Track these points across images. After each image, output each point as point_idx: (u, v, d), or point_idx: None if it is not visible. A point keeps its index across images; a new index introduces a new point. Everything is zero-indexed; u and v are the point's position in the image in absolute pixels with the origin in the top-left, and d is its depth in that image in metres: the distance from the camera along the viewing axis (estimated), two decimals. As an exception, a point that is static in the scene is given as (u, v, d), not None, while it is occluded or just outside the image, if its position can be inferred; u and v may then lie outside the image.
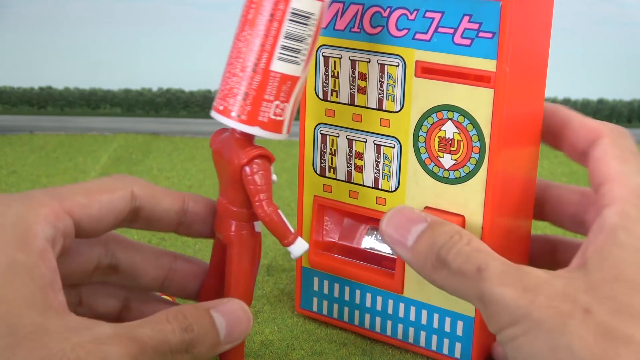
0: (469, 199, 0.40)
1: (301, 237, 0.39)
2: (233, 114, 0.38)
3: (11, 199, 0.35)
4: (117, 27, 0.83)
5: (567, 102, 0.86)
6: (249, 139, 0.39)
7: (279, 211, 0.39)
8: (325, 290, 0.47)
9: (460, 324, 0.42)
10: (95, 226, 0.37)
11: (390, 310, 0.45)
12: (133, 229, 0.40)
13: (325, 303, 0.47)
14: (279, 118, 0.38)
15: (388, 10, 0.40)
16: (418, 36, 0.40)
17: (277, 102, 0.38)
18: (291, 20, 0.37)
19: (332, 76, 0.43)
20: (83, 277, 0.40)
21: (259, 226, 0.41)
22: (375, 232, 0.46)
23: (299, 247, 0.39)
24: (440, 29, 0.39)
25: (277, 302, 0.50)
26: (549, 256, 0.46)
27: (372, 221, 0.46)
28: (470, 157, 0.40)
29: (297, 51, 0.38)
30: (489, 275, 0.35)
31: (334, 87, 0.43)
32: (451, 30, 0.39)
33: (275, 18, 0.37)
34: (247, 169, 0.38)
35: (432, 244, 0.38)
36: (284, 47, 0.37)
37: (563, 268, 0.37)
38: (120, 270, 0.40)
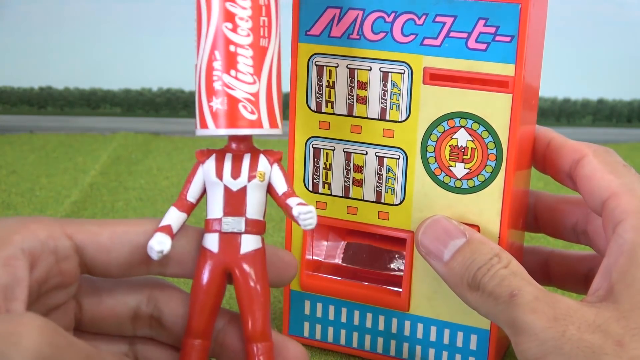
0: (484, 208, 0.38)
1: (162, 234, 0.34)
2: None
3: (12, 217, 0.33)
4: (117, 27, 0.83)
5: (567, 102, 0.86)
6: (229, 140, 0.37)
7: (171, 207, 0.35)
8: (319, 314, 0.44)
9: (474, 337, 0.40)
10: (105, 257, 0.34)
11: (394, 330, 0.42)
12: (166, 276, 0.36)
13: (318, 327, 0.44)
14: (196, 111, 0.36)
15: (392, 15, 0.38)
16: (427, 41, 0.38)
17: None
18: None
19: (326, 86, 0.40)
20: (121, 326, 0.36)
21: (205, 240, 0.36)
22: (352, 247, 0.44)
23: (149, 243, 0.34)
24: (452, 34, 0.37)
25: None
26: (541, 268, 0.45)
27: (350, 236, 0.43)
28: (486, 165, 0.38)
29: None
30: (521, 302, 0.34)
31: (329, 97, 0.40)
32: (464, 35, 0.37)
33: None
34: None
35: (469, 263, 0.36)
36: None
37: (589, 292, 0.35)
38: (165, 324, 0.36)
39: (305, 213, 0.35)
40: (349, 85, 0.40)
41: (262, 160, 0.35)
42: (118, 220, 0.35)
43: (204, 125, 0.34)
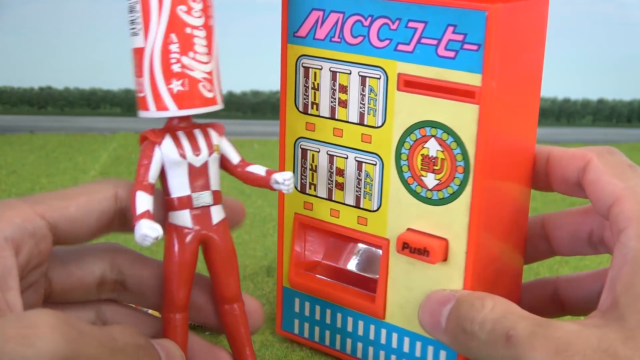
0: (453, 222, 0.37)
1: (149, 220, 0.34)
2: None
3: None
4: (117, 27, 0.82)
5: (567, 102, 0.86)
6: (167, 121, 0.37)
7: (138, 192, 0.35)
8: (307, 312, 0.43)
9: (443, 353, 0.39)
10: (75, 228, 0.35)
11: (372, 336, 0.41)
12: (126, 232, 0.37)
13: (306, 325, 0.43)
14: (140, 94, 0.35)
15: (369, 19, 0.37)
16: (400, 47, 0.36)
17: (137, 79, 0.36)
18: None
19: (312, 88, 0.40)
20: (89, 292, 0.37)
21: (174, 218, 0.37)
22: (360, 252, 0.43)
23: (136, 229, 0.34)
24: (423, 40, 0.35)
25: (277, 303, 0.49)
26: (551, 300, 0.43)
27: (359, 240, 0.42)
28: (455, 177, 0.36)
29: (134, 22, 0.35)
30: (518, 341, 0.32)
31: (315, 99, 0.40)
32: (435, 42, 0.35)
33: None
34: None
35: (457, 317, 0.35)
36: (129, 22, 0.35)
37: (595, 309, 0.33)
38: (128, 286, 0.38)
39: (289, 179, 0.37)
40: (332, 88, 0.39)
41: (213, 134, 0.37)
42: (79, 189, 0.36)
43: (162, 107, 0.35)
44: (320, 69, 0.39)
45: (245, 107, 0.84)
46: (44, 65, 0.83)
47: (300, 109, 0.40)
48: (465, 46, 0.35)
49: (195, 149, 0.36)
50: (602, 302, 0.33)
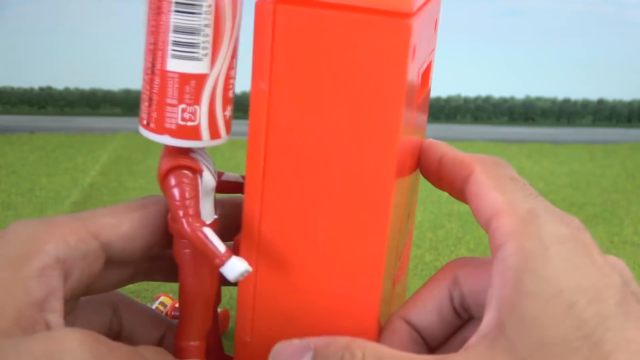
0: None
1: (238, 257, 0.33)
2: (144, 121, 0.33)
3: (31, 221, 0.33)
4: (117, 27, 0.83)
5: (567, 102, 0.86)
6: (180, 148, 0.33)
7: (205, 229, 0.33)
8: None
9: None
10: (128, 246, 0.34)
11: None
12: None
13: None
14: (190, 123, 0.32)
15: None
16: None
17: (182, 106, 0.32)
18: (177, 11, 0.31)
19: None
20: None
21: None
22: None
23: (232, 268, 0.32)
24: None
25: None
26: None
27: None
28: None
29: (193, 45, 0.32)
30: None
31: None
32: None
33: (162, 10, 0.31)
34: (166, 182, 0.33)
35: None
36: (176, 43, 0.32)
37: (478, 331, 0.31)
38: (123, 332, 0.38)
39: None
40: None
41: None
42: (130, 205, 0.35)
43: (216, 135, 0.33)
44: None
45: (245, 107, 0.84)
46: (44, 65, 0.83)
47: None
48: None
49: (212, 171, 0.34)
50: (485, 325, 0.31)
